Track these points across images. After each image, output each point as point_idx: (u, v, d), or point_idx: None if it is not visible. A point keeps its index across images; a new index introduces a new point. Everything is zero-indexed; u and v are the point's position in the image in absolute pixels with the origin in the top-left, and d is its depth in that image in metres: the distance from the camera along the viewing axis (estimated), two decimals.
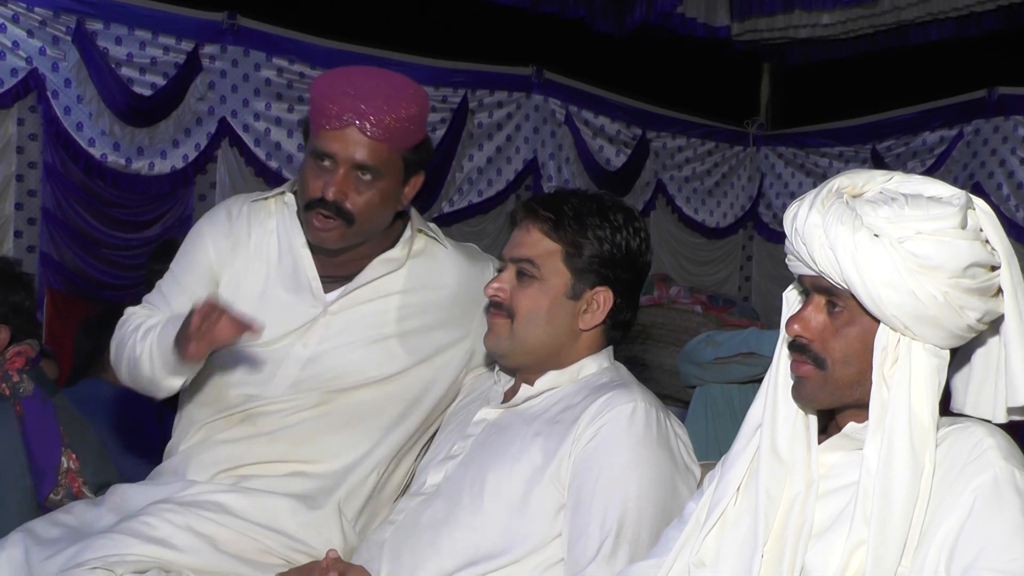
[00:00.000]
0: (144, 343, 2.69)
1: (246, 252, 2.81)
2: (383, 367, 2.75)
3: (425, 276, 2.82)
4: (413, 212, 2.86)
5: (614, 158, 8.22)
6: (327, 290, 2.77)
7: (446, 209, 7.57)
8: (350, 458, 2.72)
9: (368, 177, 2.65)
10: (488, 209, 7.86)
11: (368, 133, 2.62)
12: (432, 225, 2.91)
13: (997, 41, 7.60)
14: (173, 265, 2.88)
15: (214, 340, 2.50)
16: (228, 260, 2.81)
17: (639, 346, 6.31)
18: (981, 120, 7.65)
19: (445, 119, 7.52)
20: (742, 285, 8.94)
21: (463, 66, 7.62)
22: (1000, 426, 2.02)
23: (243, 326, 2.50)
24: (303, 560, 2.60)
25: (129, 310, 2.84)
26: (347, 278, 2.77)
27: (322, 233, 2.68)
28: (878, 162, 8.03)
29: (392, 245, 2.81)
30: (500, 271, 2.61)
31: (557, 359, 2.58)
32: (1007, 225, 7.44)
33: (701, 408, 4.57)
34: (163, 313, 2.78)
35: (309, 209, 2.68)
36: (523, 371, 2.62)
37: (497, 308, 2.58)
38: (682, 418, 4.35)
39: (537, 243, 2.56)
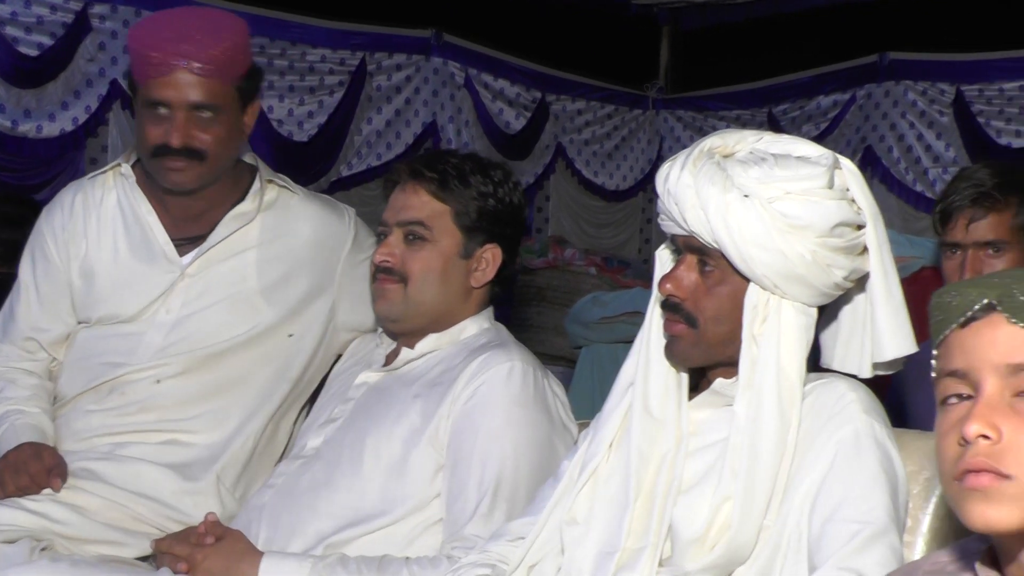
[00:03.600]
0: None
1: (89, 235, 2.78)
2: (248, 323, 2.73)
3: (279, 226, 2.81)
4: (261, 163, 2.85)
5: (514, 121, 8.20)
6: (181, 253, 2.75)
7: (344, 173, 7.51)
8: (228, 428, 2.71)
9: (208, 114, 2.64)
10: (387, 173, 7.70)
11: (197, 72, 2.61)
12: (282, 176, 2.90)
13: (889, 6, 7.68)
14: (22, 275, 2.85)
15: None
16: (73, 250, 2.79)
17: (533, 308, 6.36)
18: (873, 85, 7.74)
19: (343, 82, 7.45)
20: (642, 247, 8.98)
21: (361, 28, 7.54)
22: (867, 382, 2.07)
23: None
24: (178, 528, 2.56)
25: None
26: (200, 238, 2.75)
27: (177, 176, 2.66)
28: (774, 125, 8.10)
29: (242, 199, 2.79)
30: (383, 236, 2.60)
31: (445, 320, 2.59)
32: (897, 188, 7.60)
33: (587, 368, 4.62)
34: (25, 356, 2.79)
35: (156, 157, 2.66)
36: (408, 335, 2.62)
37: (387, 273, 2.56)
38: (570, 378, 4.43)
39: (425, 204, 2.56)
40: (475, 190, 2.55)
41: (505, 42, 8.17)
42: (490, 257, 2.59)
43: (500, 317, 2.73)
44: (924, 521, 2.04)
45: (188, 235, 2.75)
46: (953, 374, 1.40)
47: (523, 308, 6.69)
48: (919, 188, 7.53)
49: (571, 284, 6.53)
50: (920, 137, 7.58)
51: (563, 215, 8.53)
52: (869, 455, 1.90)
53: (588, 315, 4.65)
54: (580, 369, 4.65)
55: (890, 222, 6.78)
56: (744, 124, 8.30)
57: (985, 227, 3.01)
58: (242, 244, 2.77)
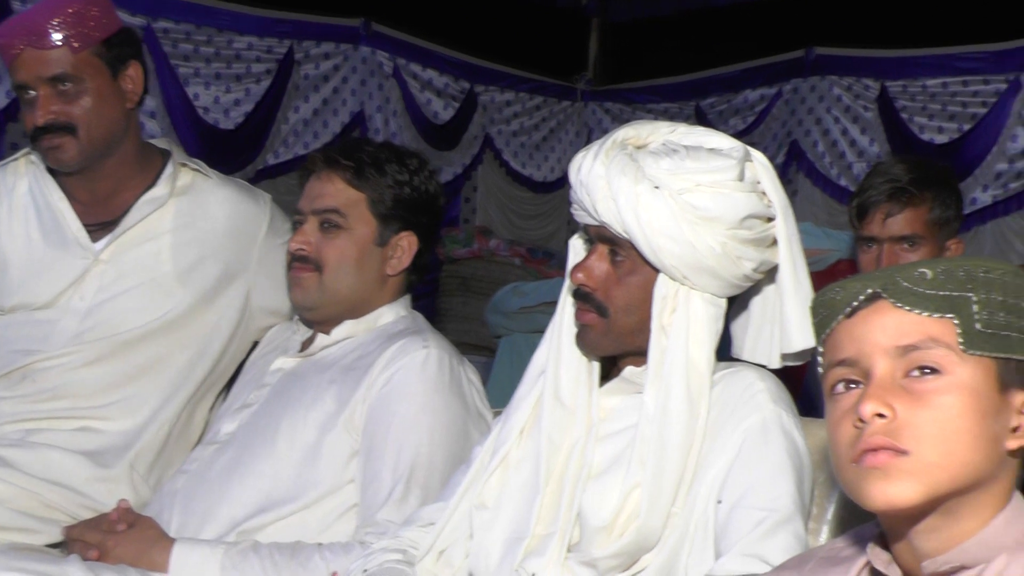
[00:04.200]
0: None
1: (1, 222, 2.76)
2: (163, 308, 2.71)
3: (194, 210, 2.79)
4: (174, 147, 2.84)
5: (442, 112, 8.18)
6: (95, 239, 2.73)
7: (271, 161, 7.46)
8: (142, 415, 2.69)
9: (68, 86, 2.62)
10: None
11: (42, 46, 2.60)
12: (197, 160, 2.88)
13: (816, 2, 7.75)
14: None
15: None
16: None
17: (458, 298, 6.36)
18: (799, 79, 7.78)
19: (270, 70, 7.40)
20: (569, 238, 9.00)
21: (289, 16, 7.49)
22: (782, 372, 2.10)
23: None
24: (90, 516, 2.55)
25: None
26: (113, 224, 2.74)
27: (56, 153, 2.65)
28: (701, 119, 8.13)
29: (154, 183, 2.78)
30: (299, 224, 2.60)
31: (361, 308, 2.60)
32: (822, 182, 7.66)
33: (506, 357, 4.63)
34: None
35: (35, 140, 2.66)
36: (324, 322, 2.62)
37: (302, 262, 2.57)
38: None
39: (340, 192, 2.56)
40: (391, 178, 2.56)
41: (434, 32, 8.15)
42: (406, 245, 2.59)
43: (425, 307, 2.74)
44: (829, 509, 2.07)
45: (100, 220, 2.74)
46: (843, 363, 1.42)
47: (447, 298, 6.70)
48: (843, 183, 7.59)
49: (496, 274, 6.54)
50: (845, 132, 7.64)
51: (490, 206, 8.53)
52: (776, 443, 1.93)
53: (508, 305, 4.67)
54: (499, 358, 4.66)
55: (815, 216, 6.87)
56: (671, 117, 8.33)
57: (901, 222, 3.06)
58: (156, 229, 2.75)
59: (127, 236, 2.73)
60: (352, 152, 2.58)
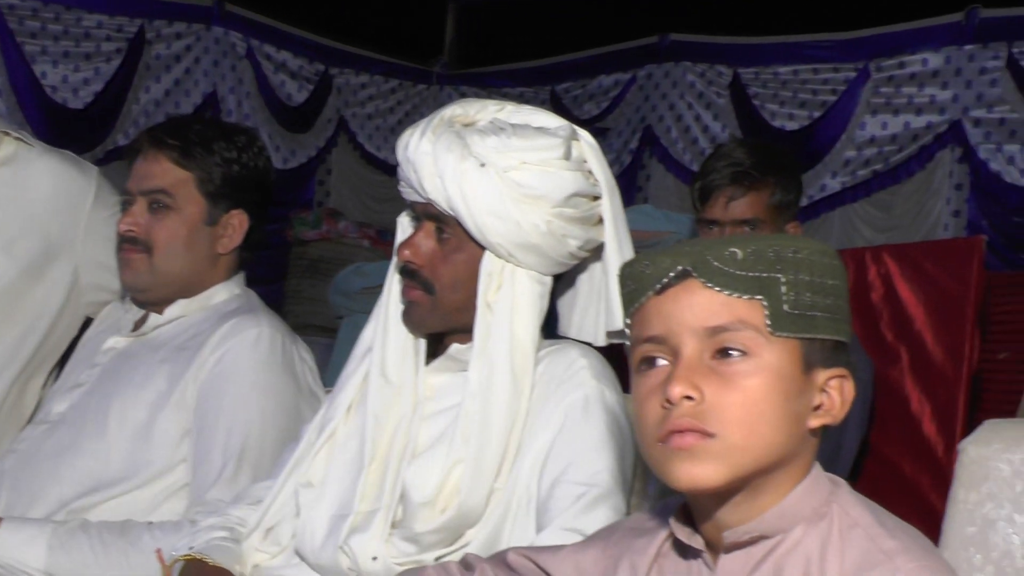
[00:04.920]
0: None
1: None
2: None
3: (16, 181, 2.73)
4: None
5: (296, 94, 8.12)
6: None
7: (121, 142, 7.33)
8: None
9: None
10: None
11: None
12: (20, 130, 2.82)
13: None
14: None
15: None
16: None
17: (307, 280, 6.34)
18: (654, 65, 7.85)
19: (120, 49, 7.29)
20: None
21: None
22: (615, 350, 2.12)
23: None
24: None
25: None
26: None
27: None
28: (556, 103, 8.17)
29: None
30: (127, 205, 2.56)
31: (193, 287, 2.57)
32: (675, 168, 7.74)
33: (348, 337, 4.60)
34: None
35: None
36: (156, 303, 2.59)
37: (131, 243, 2.54)
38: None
39: (168, 172, 2.53)
40: (218, 156, 2.54)
41: (288, 13, 8.09)
42: (236, 223, 2.58)
43: (274, 289, 2.72)
44: (652, 484, 2.10)
45: None
46: (651, 340, 1.43)
47: (296, 280, 6.66)
48: (696, 168, 7.67)
49: (345, 256, 6.52)
50: (698, 118, 7.71)
51: (345, 189, 8.47)
52: (597, 419, 1.95)
53: (350, 285, 4.67)
54: (341, 339, 4.65)
55: (667, 202, 6.93)
56: (527, 101, 8.35)
57: (743, 205, 3.10)
58: None
59: None
60: (178, 131, 2.55)
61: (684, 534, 1.47)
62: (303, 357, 2.52)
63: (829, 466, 1.51)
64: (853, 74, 7.10)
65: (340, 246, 6.72)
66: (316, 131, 8.24)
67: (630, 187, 7.66)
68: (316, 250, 6.67)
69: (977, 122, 6.58)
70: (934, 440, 3.22)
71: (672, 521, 1.49)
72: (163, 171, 2.52)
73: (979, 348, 3.20)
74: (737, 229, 3.10)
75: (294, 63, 8.16)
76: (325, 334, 5.51)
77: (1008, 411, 3.30)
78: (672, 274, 1.42)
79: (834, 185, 7.12)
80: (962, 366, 3.19)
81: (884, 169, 6.97)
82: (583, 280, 2.13)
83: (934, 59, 6.79)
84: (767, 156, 3.17)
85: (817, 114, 7.23)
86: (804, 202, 6.89)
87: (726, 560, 1.43)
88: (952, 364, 3.22)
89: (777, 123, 7.40)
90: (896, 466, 3.27)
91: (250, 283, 2.68)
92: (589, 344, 2.10)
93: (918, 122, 6.84)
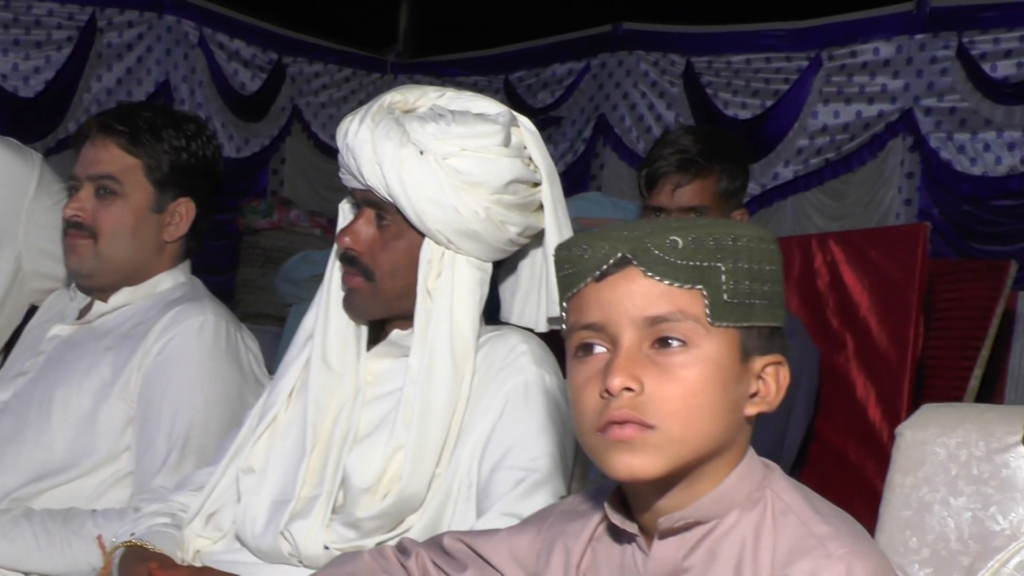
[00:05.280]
0: None
1: None
2: None
3: None
4: None
5: (249, 83, 8.10)
6: None
7: (72, 131, 7.32)
8: None
9: None
10: None
11: None
12: None
13: None
14: None
15: None
16: None
17: (258, 269, 6.33)
18: (607, 54, 7.87)
19: (71, 37, 7.27)
20: None
21: None
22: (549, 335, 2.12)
23: None
24: None
25: None
26: None
27: None
28: (510, 92, 8.19)
29: None
30: (74, 190, 2.55)
31: (139, 275, 2.56)
32: (628, 156, 7.75)
33: (296, 325, 4.60)
34: None
35: None
36: (101, 290, 2.58)
37: (77, 229, 2.53)
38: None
39: (116, 159, 2.52)
40: (167, 144, 2.53)
41: (241, 1, 8.05)
42: (184, 211, 2.57)
43: (225, 278, 2.71)
44: (593, 469, 2.10)
45: None
46: (590, 327, 1.41)
47: (247, 269, 6.65)
48: None
49: (296, 245, 6.51)
50: (651, 107, 7.74)
51: (298, 178, 8.46)
52: (537, 405, 1.96)
53: (298, 273, 4.67)
54: (289, 327, 4.63)
55: (620, 190, 6.93)
56: (481, 90, 8.31)
57: (690, 193, 3.10)
58: None
59: None
60: (127, 117, 2.54)
61: (618, 519, 1.47)
62: (248, 345, 2.52)
63: (775, 453, 1.51)
64: (805, 63, 7.15)
65: (292, 235, 6.72)
66: (269, 120, 8.23)
67: (584, 175, 7.68)
68: (268, 239, 6.67)
69: (928, 111, 6.63)
70: (879, 426, 3.23)
71: (606, 506, 1.49)
72: (111, 157, 2.51)
73: (923, 335, 3.21)
74: (683, 216, 3.10)
75: (247, 52, 8.14)
76: (277, 323, 5.51)
77: (953, 396, 3.32)
78: (612, 261, 1.39)
79: (787, 174, 7.16)
80: (907, 352, 3.20)
81: (836, 158, 7.01)
82: (524, 266, 2.13)
83: (885, 48, 6.83)
84: (714, 143, 3.17)
85: (770, 103, 7.27)
86: (757, 191, 6.94)
87: (660, 545, 1.43)
88: (897, 350, 3.23)
89: (730, 112, 7.44)
90: (842, 452, 3.28)
91: (202, 272, 2.68)
92: (530, 330, 2.10)
93: (870, 111, 6.88)
